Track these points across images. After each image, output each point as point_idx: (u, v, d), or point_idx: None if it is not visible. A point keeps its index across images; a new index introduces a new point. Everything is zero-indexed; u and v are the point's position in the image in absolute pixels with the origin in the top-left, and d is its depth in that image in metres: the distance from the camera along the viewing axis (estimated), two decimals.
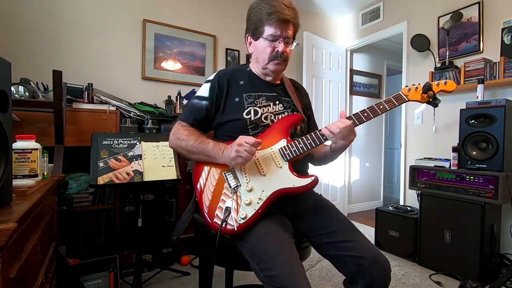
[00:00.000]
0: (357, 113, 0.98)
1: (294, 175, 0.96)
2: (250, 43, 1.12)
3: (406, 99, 0.99)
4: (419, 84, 1.00)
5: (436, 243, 2.10)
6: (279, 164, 0.97)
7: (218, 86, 1.08)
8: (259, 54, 1.09)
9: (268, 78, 1.14)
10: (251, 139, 0.90)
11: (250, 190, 0.94)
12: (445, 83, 0.98)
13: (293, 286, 0.75)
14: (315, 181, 0.95)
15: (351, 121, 0.95)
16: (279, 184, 0.94)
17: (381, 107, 0.97)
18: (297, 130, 1.11)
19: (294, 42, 1.09)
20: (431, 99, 0.99)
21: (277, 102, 1.11)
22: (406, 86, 1.01)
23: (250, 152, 0.90)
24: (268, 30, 1.03)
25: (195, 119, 1.08)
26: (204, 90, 1.10)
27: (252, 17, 1.06)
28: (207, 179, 1.01)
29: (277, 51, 1.05)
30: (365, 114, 0.97)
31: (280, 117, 1.08)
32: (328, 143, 1.02)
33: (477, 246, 1.89)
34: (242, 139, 0.91)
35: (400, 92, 1.00)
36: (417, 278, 2.02)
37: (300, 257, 0.89)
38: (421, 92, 0.98)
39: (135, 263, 1.88)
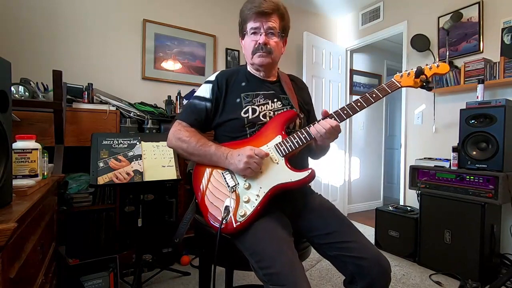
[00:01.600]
0: (350, 103, 0.98)
1: (291, 170, 0.96)
2: (243, 44, 1.15)
3: (399, 85, 0.99)
4: (412, 69, 1.00)
5: (436, 243, 2.10)
6: (276, 160, 0.97)
7: (217, 87, 1.10)
8: (245, 50, 1.13)
9: (262, 74, 1.15)
10: (261, 152, 0.92)
11: (248, 188, 0.95)
12: (438, 66, 0.99)
13: (292, 284, 0.75)
14: (312, 174, 0.94)
15: (336, 121, 0.96)
16: (277, 180, 0.94)
17: (374, 95, 0.97)
18: (296, 125, 1.11)
19: (279, 34, 1.08)
20: (424, 83, 0.99)
21: (275, 100, 1.11)
22: (399, 72, 1.02)
23: (259, 164, 0.92)
24: (249, 25, 1.07)
25: (196, 119, 1.08)
26: (204, 91, 1.11)
27: (239, 19, 1.12)
28: (206, 178, 1.01)
29: (259, 43, 1.06)
30: (359, 104, 0.97)
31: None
32: None
33: (477, 246, 1.89)
34: (251, 150, 0.92)
35: (392, 79, 1.01)
36: (417, 278, 2.02)
37: (300, 257, 0.89)
38: (413, 77, 0.98)
39: (135, 263, 1.88)
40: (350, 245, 0.92)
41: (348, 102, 1.05)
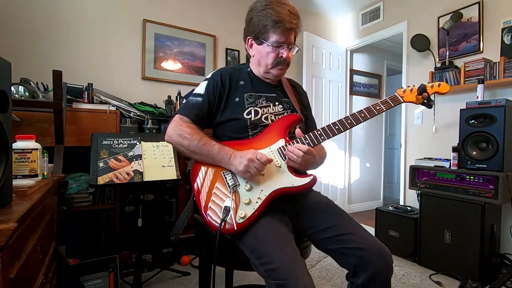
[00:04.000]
0: (355, 113, 1.00)
1: (293, 174, 0.96)
2: (251, 45, 1.11)
3: (402, 100, 1.03)
4: (414, 86, 1.03)
5: (436, 243, 2.10)
6: (278, 163, 0.98)
7: (221, 83, 1.09)
8: (262, 58, 1.09)
9: (268, 80, 1.15)
10: (263, 157, 0.91)
11: (249, 190, 0.94)
12: (439, 85, 1.04)
13: (294, 279, 0.75)
14: (314, 181, 0.95)
15: (307, 147, 0.95)
16: (278, 184, 0.95)
17: (378, 108, 1.00)
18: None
19: (295, 47, 1.09)
20: (425, 100, 1.03)
21: (277, 103, 1.12)
22: (401, 87, 1.06)
23: (259, 169, 0.91)
24: (273, 37, 1.03)
25: (197, 115, 1.06)
26: (206, 86, 1.09)
27: (255, 21, 1.05)
28: (205, 178, 1.01)
29: (281, 57, 1.06)
30: (362, 115, 1.00)
31: (280, 117, 1.09)
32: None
33: (477, 246, 1.89)
34: (254, 154, 0.92)
35: (395, 94, 1.04)
36: (417, 278, 2.02)
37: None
38: (416, 93, 1.02)
39: (135, 263, 1.88)
40: (349, 237, 0.92)
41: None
